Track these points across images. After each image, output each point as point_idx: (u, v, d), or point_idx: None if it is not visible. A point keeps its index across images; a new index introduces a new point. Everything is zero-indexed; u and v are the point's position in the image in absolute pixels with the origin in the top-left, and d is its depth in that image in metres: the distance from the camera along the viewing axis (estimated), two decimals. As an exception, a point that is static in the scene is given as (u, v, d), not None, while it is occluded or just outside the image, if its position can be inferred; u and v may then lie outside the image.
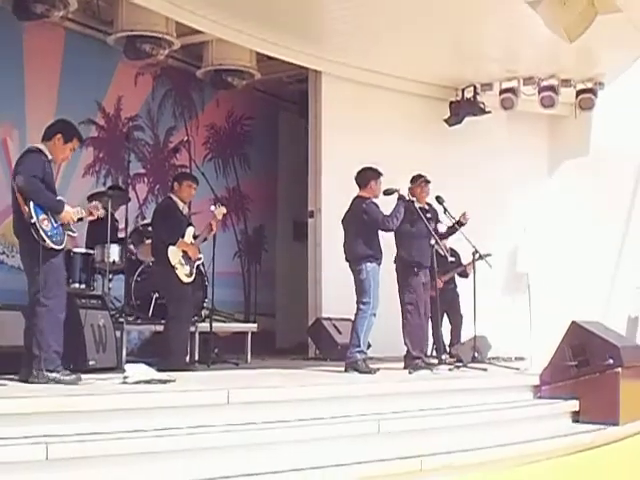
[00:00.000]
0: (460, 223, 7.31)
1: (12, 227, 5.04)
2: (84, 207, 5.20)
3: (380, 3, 7.69)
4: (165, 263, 6.37)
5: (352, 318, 6.64)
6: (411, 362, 6.70)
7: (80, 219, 5.16)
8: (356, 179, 6.74)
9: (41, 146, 5.01)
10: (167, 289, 6.56)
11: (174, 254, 6.38)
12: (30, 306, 4.84)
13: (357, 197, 6.72)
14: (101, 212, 5.34)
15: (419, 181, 7.11)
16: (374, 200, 6.65)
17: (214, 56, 9.11)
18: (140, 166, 9.29)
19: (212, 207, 6.72)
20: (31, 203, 4.77)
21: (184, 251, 6.43)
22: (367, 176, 6.69)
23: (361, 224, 6.57)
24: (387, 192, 6.64)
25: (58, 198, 4.98)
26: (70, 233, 5.01)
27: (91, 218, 5.32)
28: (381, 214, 6.58)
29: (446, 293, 8.26)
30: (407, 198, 6.66)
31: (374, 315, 6.49)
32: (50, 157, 5.00)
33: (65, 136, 5.07)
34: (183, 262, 6.40)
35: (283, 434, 4.44)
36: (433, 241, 6.85)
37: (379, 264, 6.56)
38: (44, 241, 4.77)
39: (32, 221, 4.74)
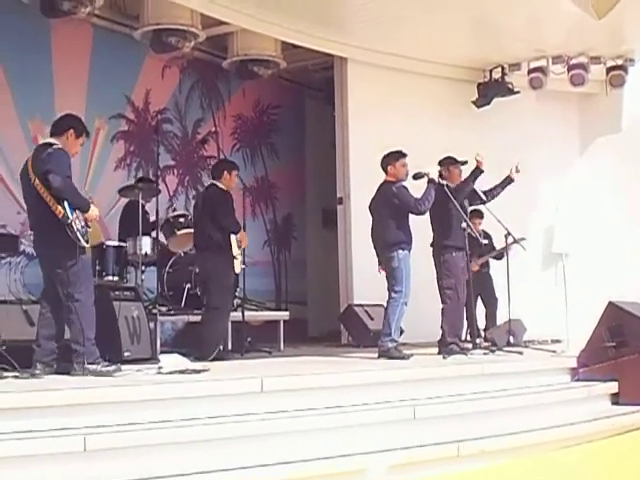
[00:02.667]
0: (510, 179, 7.14)
1: (34, 224, 5.01)
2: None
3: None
4: (226, 252, 6.29)
5: (384, 304, 6.61)
6: (445, 347, 6.66)
7: None
8: (380, 165, 6.72)
9: (57, 142, 5.00)
10: (221, 279, 6.36)
11: (235, 244, 6.34)
12: (57, 302, 4.88)
13: (384, 182, 6.68)
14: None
15: (448, 163, 7.05)
16: (403, 184, 6.61)
17: (239, 46, 9.11)
18: (170, 158, 9.34)
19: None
20: (65, 203, 4.79)
21: (239, 240, 6.42)
22: (385, 161, 6.67)
23: (391, 209, 6.52)
24: (417, 176, 6.59)
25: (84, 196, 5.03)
26: (88, 229, 5.03)
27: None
28: (412, 197, 6.53)
29: (480, 276, 8.19)
30: (437, 181, 6.61)
31: (405, 303, 6.44)
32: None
33: (77, 131, 5.09)
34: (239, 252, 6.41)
35: (317, 421, 4.44)
36: (465, 224, 6.78)
37: (410, 250, 6.52)
38: (79, 240, 4.81)
39: (69, 221, 4.77)
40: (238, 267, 6.44)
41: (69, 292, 4.83)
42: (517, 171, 7.14)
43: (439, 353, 6.67)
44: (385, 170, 6.67)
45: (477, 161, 6.88)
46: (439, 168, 6.81)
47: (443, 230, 6.83)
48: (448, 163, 7.00)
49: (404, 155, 6.65)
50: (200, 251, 6.67)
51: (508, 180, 7.17)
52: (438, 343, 6.83)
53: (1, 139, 7.64)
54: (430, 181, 6.57)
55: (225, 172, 6.61)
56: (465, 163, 7.03)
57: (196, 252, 6.86)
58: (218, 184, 6.57)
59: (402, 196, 6.52)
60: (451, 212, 6.76)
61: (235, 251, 6.34)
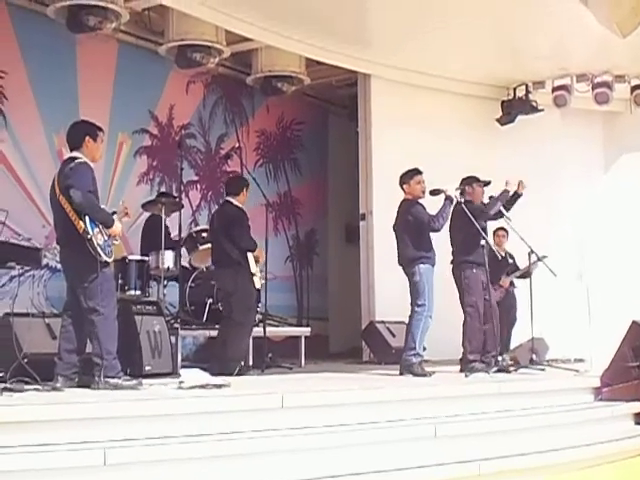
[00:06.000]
0: (517, 194, 7.13)
1: (60, 238, 5.04)
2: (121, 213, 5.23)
3: (428, 4, 7.64)
4: (245, 269, 6.34)
5: (406, 321, 6.59)
6: (467, 365, 6.62)
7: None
8: (399, 184, 6.74)
9: (81, 156, 5.00)
10: (242, 296, 6.39)
11: (253, 261, 6.38)
12: (80, 315, 4.90)
13: (403, 200, 6.71)
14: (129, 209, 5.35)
15: (472, 181, 7.04)
16: (419, 201, 6.61)
17: (263, 63, 9.16)
18: (193, 173, 9.40)
19: None
20: (87, 218, 4.81)
21: (256, 257, 6.45)
22: (401, 180, 6.70)
23: (408, 226, 6.54)
24: (434, 192, 6.60)
25: (102, 207, 5.02)
26: (114, 242, 5.07)
27: (127, 219, 5.34)
28: (427, 215, 6.53)
29: (509, 295, 8.18)
30: (454, 198, 6.58)
31: (430, 317, 6.43)
32: (92, 165, 5.03)
33: (92, 135, 5.07)
34: (258, 269, 6.44)
35: (338, 438, 4.42)
36: (483, 242, 6.74)
37: (432, 265, 6.51)
38: (100, 256, 4.83)
39: (89, 237, 4.78)
40: (258, 283, 6.46)
41: (91, 306, 4.85)
42: (523, 187, 7.15)
43: (461, 371, 6.63)
44: (402, 189, 6.69)
45: (507, 183, 6.98)
46: (461, 186, 6.80)
47: (463, 246, 6.83)
48: (472, 181, 7.01)
49: (419, 172, 6.66)
50: (219, 268, 6.70)
51: (516, 196, 7.16)
52: (460, 361, 6.79)
53: (27, 153, 7.74)
54: (447, 198, 6.57)
55: (244, 189, 6.65)
56: (488, 184, 7.03)
57: (215, 269, 6.89)
58: (233, 201, 6.61)
59: (416, 213, 6.53)
60: (471, 229, 6.74)
61: (253, 268, 6.36)
